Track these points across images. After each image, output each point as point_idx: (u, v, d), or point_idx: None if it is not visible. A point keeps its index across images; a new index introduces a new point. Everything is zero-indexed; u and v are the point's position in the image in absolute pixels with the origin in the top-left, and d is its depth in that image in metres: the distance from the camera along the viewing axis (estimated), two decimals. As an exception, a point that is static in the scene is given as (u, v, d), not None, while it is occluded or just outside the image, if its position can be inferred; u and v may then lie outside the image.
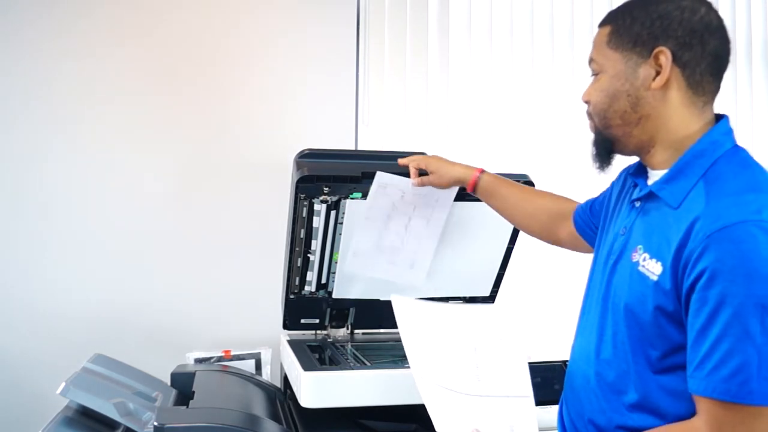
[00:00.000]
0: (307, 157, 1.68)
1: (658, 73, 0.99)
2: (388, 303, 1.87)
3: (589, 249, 1.30)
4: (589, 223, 1.31)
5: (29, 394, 2.02)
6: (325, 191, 1.65)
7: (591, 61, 1.08)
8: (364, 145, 2.30)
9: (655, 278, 0.97)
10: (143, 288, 2.14)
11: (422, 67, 2.36)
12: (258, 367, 2.01)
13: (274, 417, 1.51)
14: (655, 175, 1.05)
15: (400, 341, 1.92)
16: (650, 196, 1.04)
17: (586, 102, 1.09)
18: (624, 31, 1.02)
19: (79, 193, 2.11)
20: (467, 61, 2.40)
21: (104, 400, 1.29)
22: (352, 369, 1.53)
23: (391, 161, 1.77)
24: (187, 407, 1.40)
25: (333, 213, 1.71)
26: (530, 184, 1.73)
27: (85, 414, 1.33)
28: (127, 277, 2.13)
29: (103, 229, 2.12)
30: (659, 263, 0.97)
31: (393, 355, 1.80)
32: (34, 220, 2.08)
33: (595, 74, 1.07)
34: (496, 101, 2.40)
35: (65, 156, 2.10)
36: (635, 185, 1.10)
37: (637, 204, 1.07)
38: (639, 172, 1.10)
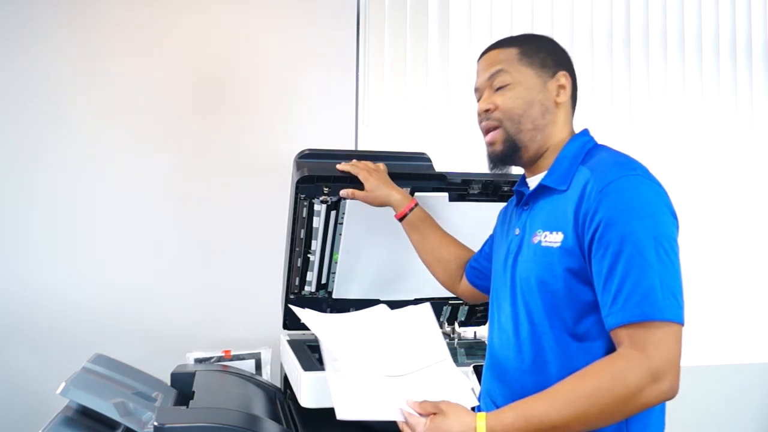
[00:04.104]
0: (307, 157, 1.68)
1: (557, 91, 1.21)
2: (388, 303, 1.88)
3: (483, 297, 1.46)
4: (480, 270, 1.44)
5: (29, 394, 2.02)
6: (325, 191, 1.65)
7: (502, 72, 1.22)
8: (364, 145, 2.30)
9: (558, 244, 1.11)
10: (143, 288, 2.14)
11: (422, 67, 2.36)
12: (258, 367, 2.01)
13: (274, 417, 1.51)
14: (535, 180, 1.23)
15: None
16: (537, 193, 1.20)
17: (490, 110, 1.23)
18: (532, 53, 1.22)
19: (79, 194, 2.11)
20: (467, 61, 2.40)
21: (104, 400, 1.29)
22: (352, 369, 1.52)
23: (392, 161, 1.76)
24: (187, 407, 1.40)
25: (333, 213, 1.72)
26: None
27: (85, 414, 1.33)
28: (127, 277, 2.13)
29: (103, 229, 2.12)
30: (560, 233, 1.11)
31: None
32: (34, 219, 2.08)
33: (504, 86, 1.22)
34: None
35: (65, 156, 2.10)
36: (521, 196, 1.25)
37: (526, 207, 1.23)
38: (521, 184, 1.29)
